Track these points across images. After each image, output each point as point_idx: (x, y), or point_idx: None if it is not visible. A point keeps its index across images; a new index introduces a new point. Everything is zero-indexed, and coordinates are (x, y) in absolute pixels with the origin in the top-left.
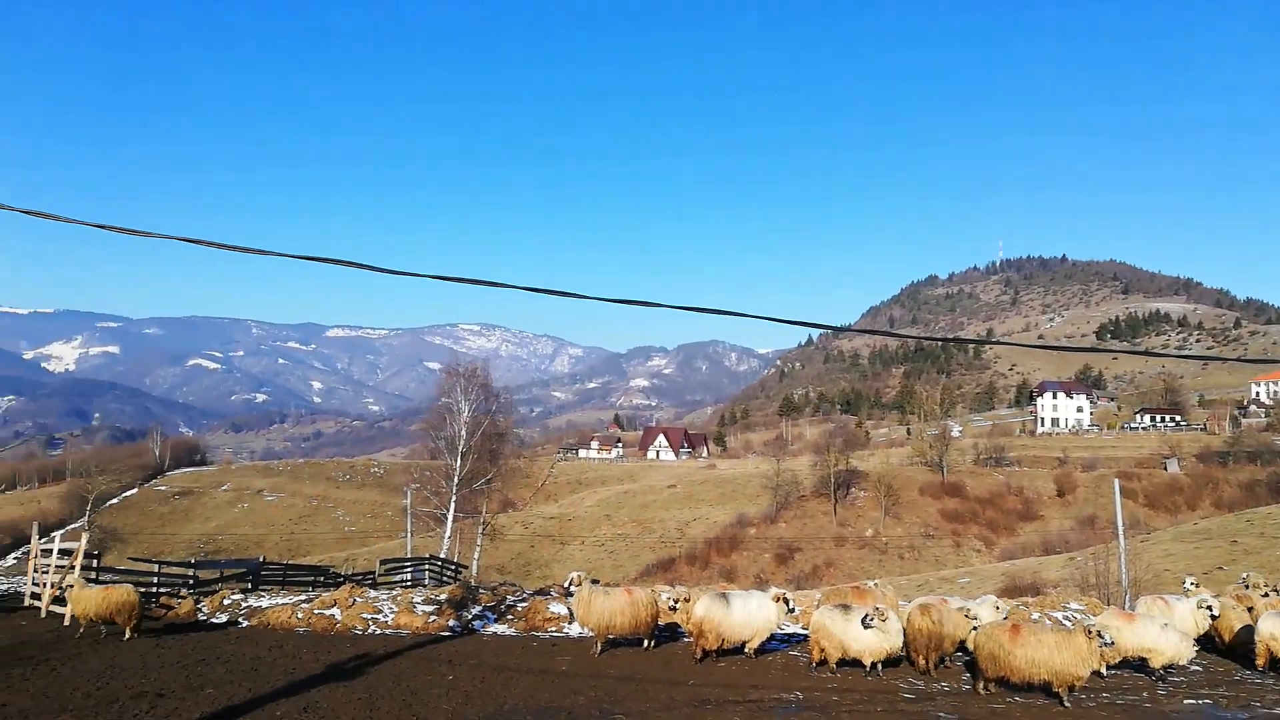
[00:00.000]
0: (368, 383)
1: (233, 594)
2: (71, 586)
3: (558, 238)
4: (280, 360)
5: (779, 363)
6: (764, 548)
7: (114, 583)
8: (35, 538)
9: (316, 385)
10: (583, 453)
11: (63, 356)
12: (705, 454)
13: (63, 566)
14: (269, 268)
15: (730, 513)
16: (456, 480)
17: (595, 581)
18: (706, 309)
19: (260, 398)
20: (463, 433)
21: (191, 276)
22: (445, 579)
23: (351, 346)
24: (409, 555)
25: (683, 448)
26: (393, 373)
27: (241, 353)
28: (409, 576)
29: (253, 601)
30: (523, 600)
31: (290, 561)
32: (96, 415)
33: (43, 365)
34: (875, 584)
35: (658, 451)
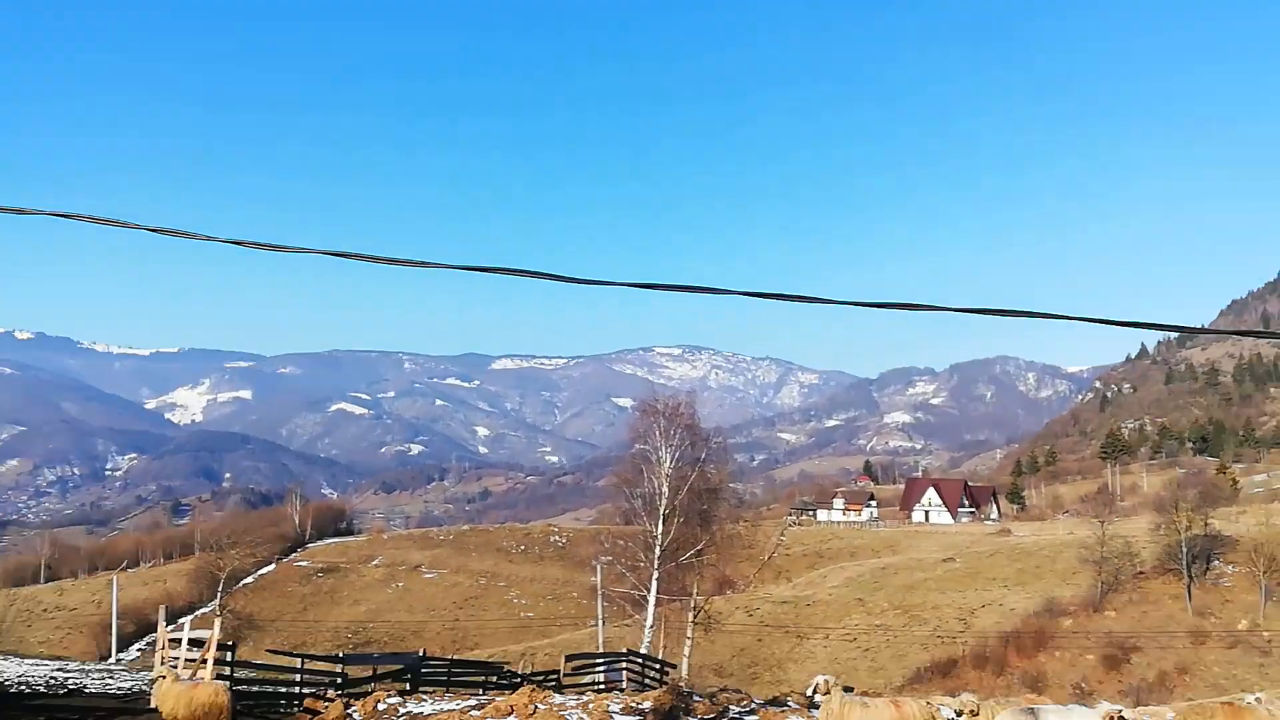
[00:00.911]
0: (544, 426)
1: (389, 696)
2: (161, 678)
3: (770, 223)
4: (438, 401)
5: (1098, 384)
6: (1085, 646)
7: (244, 679)
8: (162, 625)
9: (482, 431)
10: (822, 514)
11: (189, 405)
12: (994, 515)
13: (193, 660)
14: (420, 287)
15: (1034, 596)
16: (658, 551)
17: (848, 689)
18: (991, 310)
19: (415, 449)
20: (664, 489)
21: (331, 302)
22: (648, 681)
23: (523, 381)
24: (601, 650)
25: (962, 506)
26: (574, 412)
27: (392, 393)
28: (602, 677)
29: (412, 706)
30: (750, 712)
31: (456, 656)
32: (227, 476)
33: (167, 416)
34: (1258, 700)
35: (926, 512)
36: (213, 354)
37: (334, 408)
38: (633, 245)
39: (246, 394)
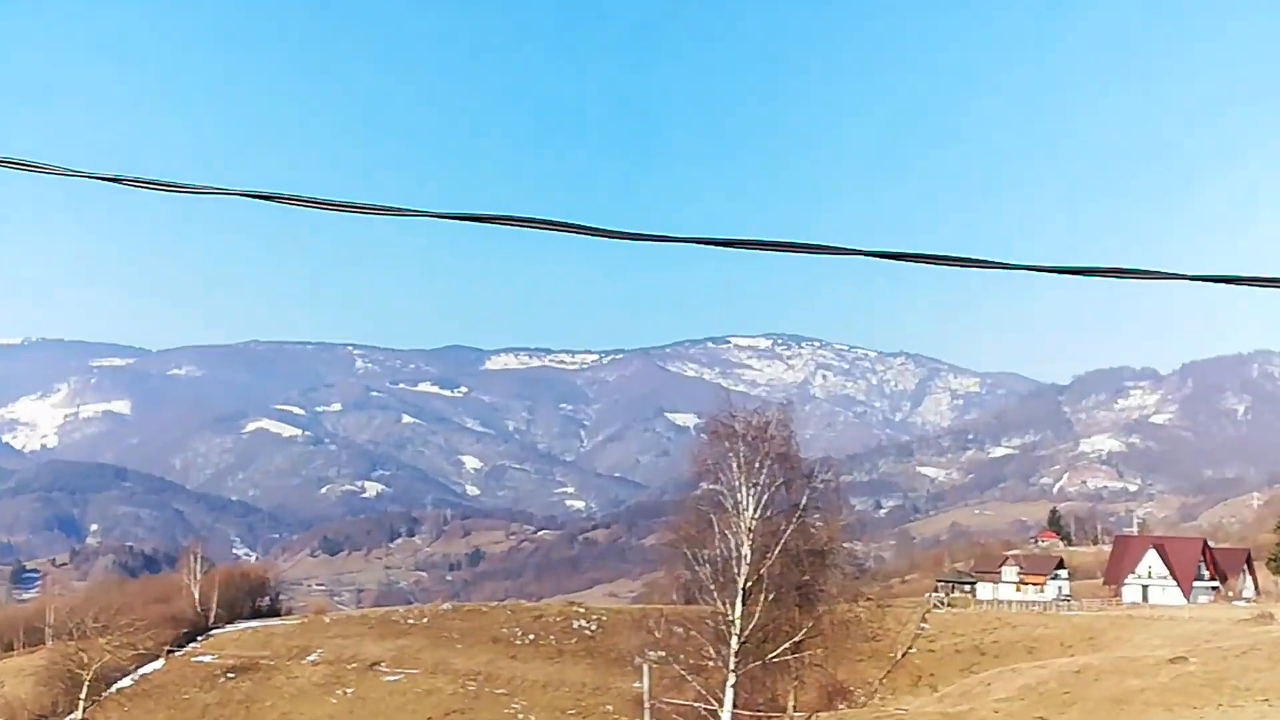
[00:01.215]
0: (563, 455)
1: None
2: None
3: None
4: (406, 418)
5: None
6: None
7: None
8: None
9: (471, 463)
10: (984, 590)
11: (36, 422)
12: (1248, 592)
13: None
14: (380, 250)
15: None
16: (736, 644)
17: None
18: (1244, 278)
19: (372, 489)
20: (745, 551)
21: (251, 273)
22: None
23: (532, 387)
24: None
25: (1200, 579)
26: (608, 434)
27: (337, 405)
28: None
29: None
30: None
31: None
32: (94, 527)
33: (5, 439)
34: None
35: (1145, 587)
36: (73, 347)
37: (251, 426)
38: (691, 190)
39: (123, 406)
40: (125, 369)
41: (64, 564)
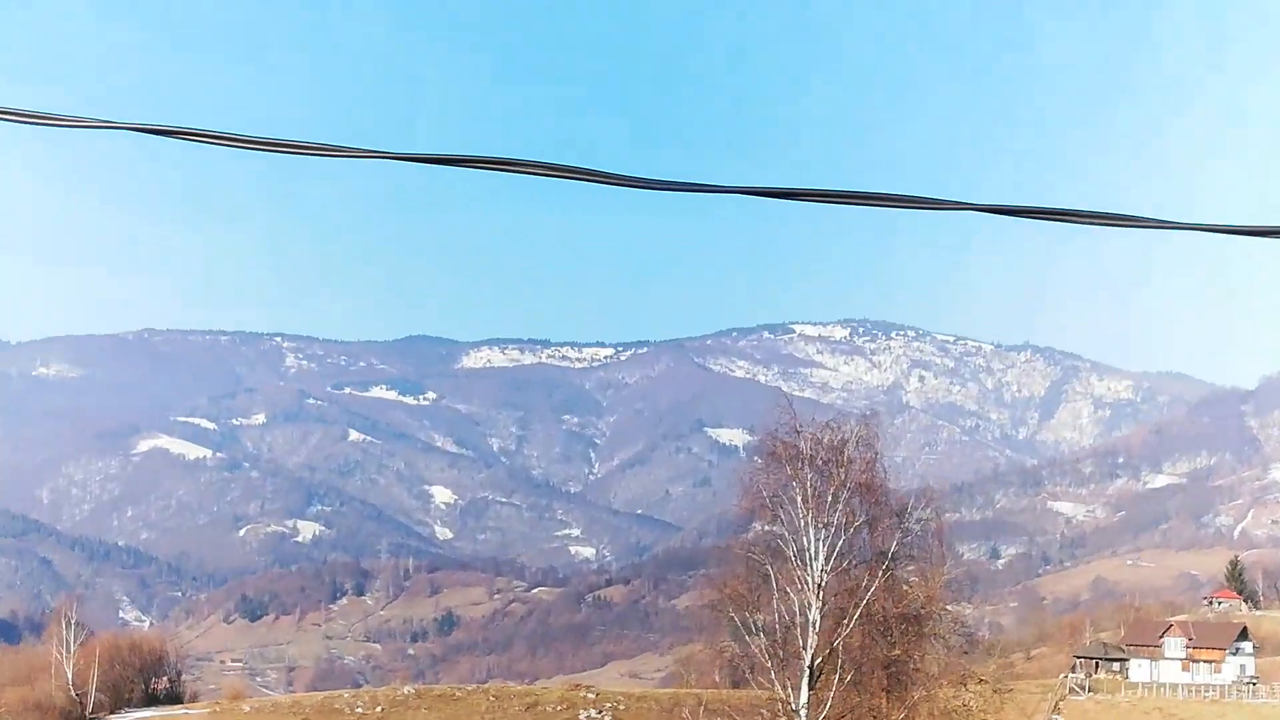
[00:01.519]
0: (566, 484)
1: None
2: None
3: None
4: (354, 433)
5: None
6: None
7: None
8: None
9: (442, 495)
10: (1137, 669)
11: None
12: None
13: None
14: (320, 206)
15: None
16: None
17: None
18: None
19: (307, 529)
20: (813, 617)
21: (144, 238)
22: None
23: (525, 391)
24: None
25: None
26: (628, 455)
27: (260, 416)
28: None
29: None
30: None
31: None
32: None
33: None
34: None
35: None
36: None
37: (144, 446)
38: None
39: None
40: None
41: None
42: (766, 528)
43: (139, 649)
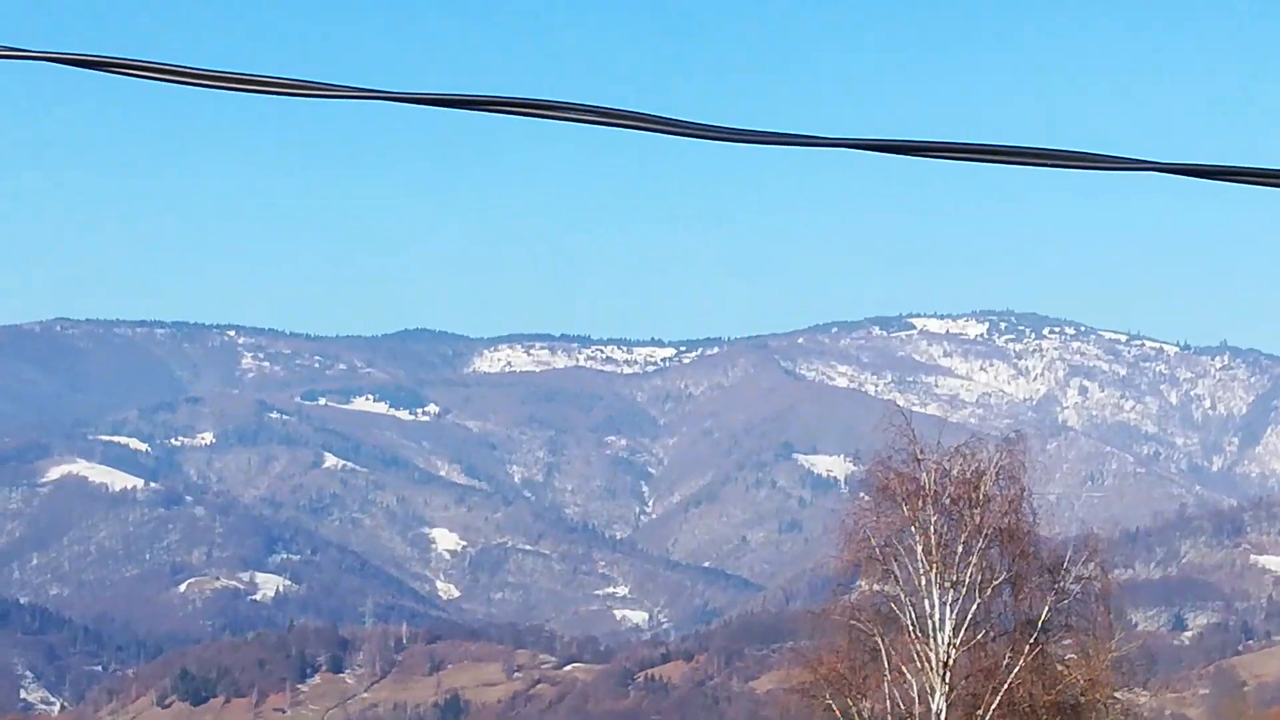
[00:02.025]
0: (610, 527)
1: None
2: None
3: None
4: (330, 458)
5: None
6: None
7: None
8: None
9: (445, 540)
10: None
11: None
12: None
13: None
14: (289, 161)
15: None
16: None
17: None
18: None
19: (269, 584)
20: (939, 705)
21: (50, 198)
22: None
23: (556, 404)
24: None
25: None
26: (693, 489)
27: (208, 435)
28: None
29: None
30: None
31: None
32: None
33: None
34: None
35: None
36: None
37: (54, 472)
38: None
39: None
40: None
41: None
42: (876, 587)
43: None
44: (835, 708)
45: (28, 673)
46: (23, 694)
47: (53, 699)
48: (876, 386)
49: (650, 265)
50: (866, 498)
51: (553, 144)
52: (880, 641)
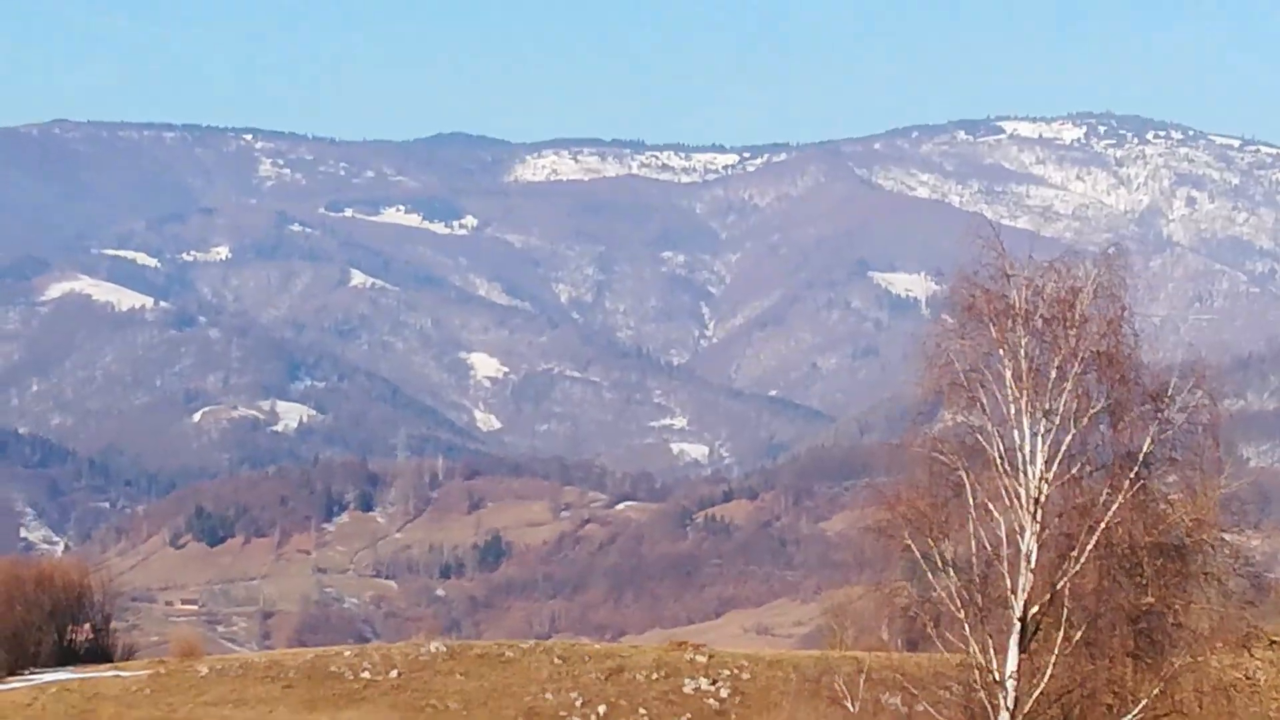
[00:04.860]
0: (667, 352)
1: None
2: None
3: None
4: (357, 274)
5: None
6: None
7: None
8: None
9: (484, 365)
10: None
11: None
12: None
13: None
14: None
15: None
16: None
17: None
18: None
19: (292, 414)
20: (1028, 547)
21: None
22: None
23: (606, 215)
24: None
25: None
26: (758, 310)
27: (223, 249)
28: None
29: None
30: None
31: None
32: None
33: None
34: None
35: None
36: None
37: (55, 290)
38: None
39: None
40: None
41: None
42: (960, 417)
43: (49, 583)
44: (915, 549)
45: (28, 509)
46: (23, 533)
47: (56, 538)
48: (961, 197)
49: (710, 62)
50: (949, 319)
51: None
52: (965, 476)
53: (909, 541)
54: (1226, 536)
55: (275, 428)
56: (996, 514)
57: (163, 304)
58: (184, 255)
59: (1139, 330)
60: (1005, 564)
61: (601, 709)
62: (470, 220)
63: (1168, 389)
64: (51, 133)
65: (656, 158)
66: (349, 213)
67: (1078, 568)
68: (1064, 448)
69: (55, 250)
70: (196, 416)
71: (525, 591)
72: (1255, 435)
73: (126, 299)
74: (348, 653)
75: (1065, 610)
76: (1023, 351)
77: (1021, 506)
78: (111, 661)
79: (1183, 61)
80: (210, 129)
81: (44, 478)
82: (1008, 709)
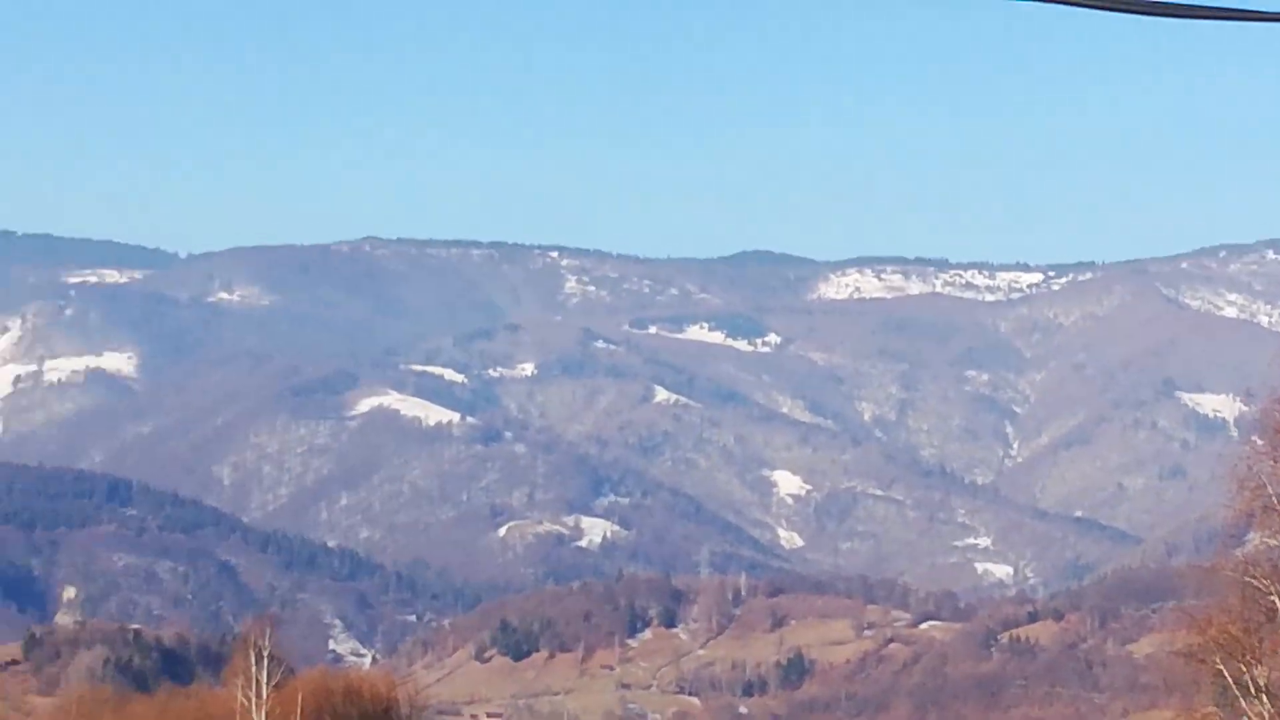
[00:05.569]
0: (970, 471)
1: None
2: None
3: None
4: (661, 391)
5: None
6: None
7: None
8: None
9: (788, 483)
10: None
11: None
12: None
13: None
14: None
15: None
16: None
17: None
18: None
19: (596, 529)
20: None
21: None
22: None
23: (910, 333)
24: None
25: None
26: (1063, 430)
27: (528, 365)
28: None
29: None
30: None
31: None
32: (69, 592)
33: None
34: None
35: None
36: (31, 247)
37: (363, 403)
38: None
39: (124, 360)
40: (132, 288)
41: (13, 664)
42: (1273, 541)
43: (358, 695)
44: (1226, 673)
45: (337, 621)
46: (332, 645)
47: (363, 650)
48: (1270, 317)
49: (1014, 179)
50: (1260, 441)
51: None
52: (1277, 600)
53: (1220, 666)
54: None
55: (580, 543)
56: None
57: (469, 419)
58: (490, 371)
59: None
60: None
61: None
62: (773, 338)
63: None
64: (362, 250)
65: (960, 276)
66: (653, 330)
67: None
68: None
69: (365, 365)
70: (502, 531)
71: (828, 710)
72: None
73: (434, 414)
74: None
75: None
76: None
77: None
78: None
79: None
80: (516, 246)
81: (352, 590)
82: None
